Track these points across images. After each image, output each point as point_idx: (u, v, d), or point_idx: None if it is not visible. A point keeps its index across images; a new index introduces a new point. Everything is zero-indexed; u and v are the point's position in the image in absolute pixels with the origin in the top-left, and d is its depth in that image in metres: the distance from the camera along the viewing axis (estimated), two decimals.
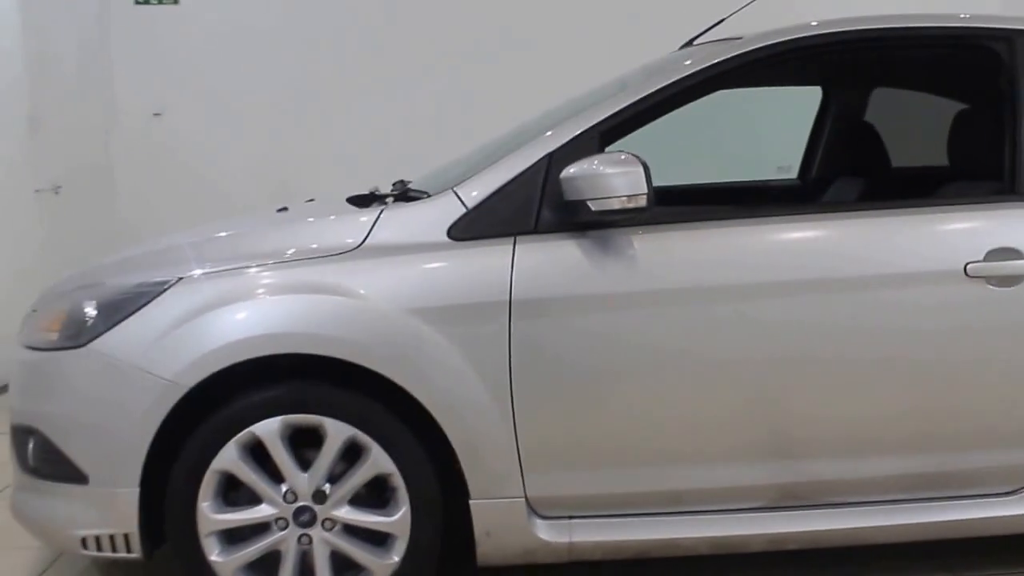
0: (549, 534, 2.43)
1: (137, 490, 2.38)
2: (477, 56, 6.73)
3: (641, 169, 2.26)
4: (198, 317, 2.36)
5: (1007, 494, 2.52)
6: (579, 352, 2.38)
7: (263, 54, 6.78)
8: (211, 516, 2.40)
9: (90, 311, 2.45)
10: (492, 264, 2.38)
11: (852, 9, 2.98)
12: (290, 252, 2.45)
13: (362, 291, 2.37)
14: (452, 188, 2.48)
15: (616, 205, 2.27)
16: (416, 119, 6.76)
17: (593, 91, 3.07)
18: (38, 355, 2.54)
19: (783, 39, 2.50)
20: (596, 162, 2.31)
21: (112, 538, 2.43)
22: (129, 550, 2.44)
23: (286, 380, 2.38)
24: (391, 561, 2.41)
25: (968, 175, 2.63)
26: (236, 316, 2.36)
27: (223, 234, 2.68)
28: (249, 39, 6.79)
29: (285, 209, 3.01)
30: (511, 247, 2.39)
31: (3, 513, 3.24)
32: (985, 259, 2.41)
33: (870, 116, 2.97)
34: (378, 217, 2.47)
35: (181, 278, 2.42)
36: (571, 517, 2.46)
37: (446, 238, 2.42)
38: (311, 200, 3.50)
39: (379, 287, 2.38)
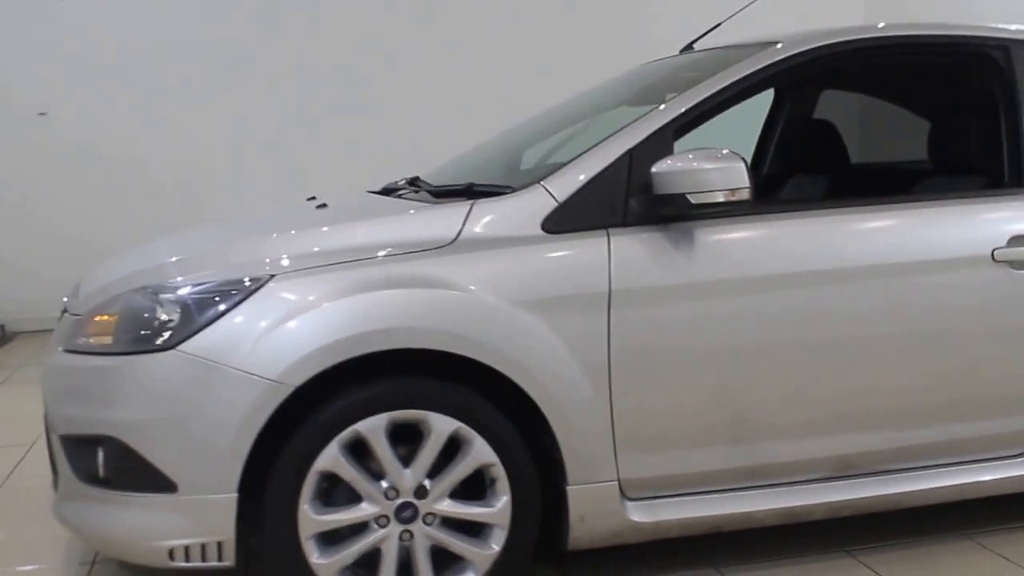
0: (638, 515, 2.53)
1: (235, 496, 2.30)
2: (362, 54, 6.77)
3: (743, 164, 2.39)
4: (301, 314, 2.30)
5: (1017, 456, 2.83)
6: (674, 338, 2.48)
7: (148, 50, 6.56)
8: (314, 518, 2.34)
9: (169, 312, 2.34)
10: (590, 256, 2.45)
11: (821, 19, 3.24)
12: (384, 246, 2.43)
13: (468, 284, 2.38)
14: (540, 182, 2.53)
15: (720, 198, 2.39)
16: (302, 114, 6.74)
17: (587, 94, 3.23)
18: (97, 360, 2.40)
19: (848, 38, 2.70)
20: (696, 158, 2.41)
21: (204, 547, 2.33)
22: (220, 558, 2.36)
23: (386, 376, 2.36)
24: (492, 551, 2.44)
25: (981, 170, 2.91)
26: (344, 312, 2.32)
27: (303, 231, 2.60)
28: (133, 35, 6.54)
29: (324, 206, 2.96)
30: (605, 239, 2.47)
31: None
32: (1008, 245, 2.70)
33: (885, 115, 3.24)
34: (469, 211, 2.49)
35: (273, 275, 2.35)
36: (655, 497, 2.57)
37: (540, 231, 2.47)
38: (313, 198, 3.44)
39: (482, 280, 2.40)
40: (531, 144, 3.59)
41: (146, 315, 2.38)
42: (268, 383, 2.26)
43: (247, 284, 2.34)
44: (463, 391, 2.39)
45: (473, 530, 2.46)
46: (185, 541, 2.33)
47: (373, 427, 2.34)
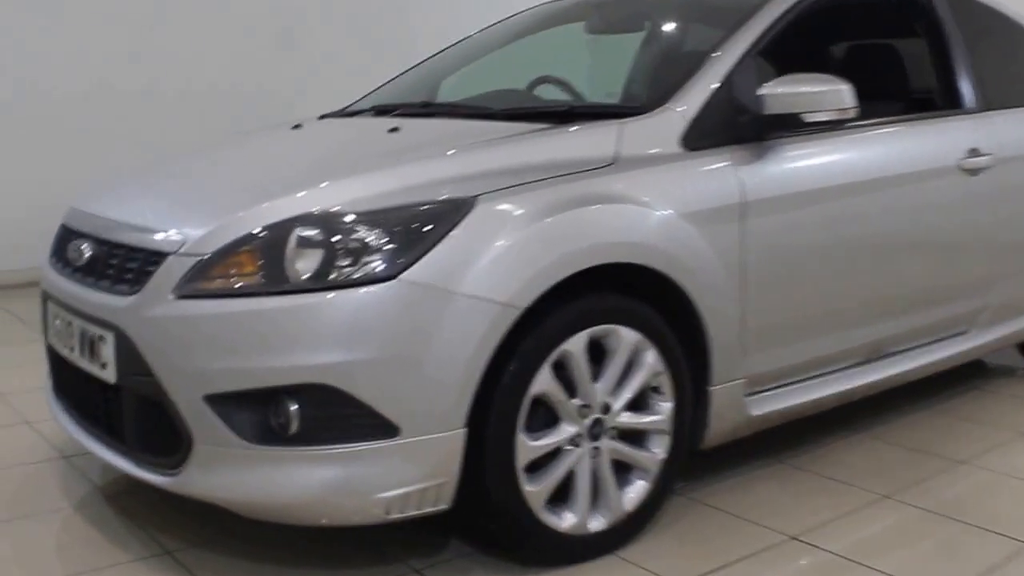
0: (754, 409, 2.75)
1: (464, 431, 2.16)
2: None
3: (849, 86, 2.66)
4: (519, 234, 2.20)
5: (961, 334, 3.45)
6: (790, 242, 2.72)
7: None
8: (530, 444, 2.27)
9: (372, 240, 2.11)
10: (723, 171, 2.59)
11: None
12: (558, 166, 2.37)
13: (645, 200, 2.42)
14: (668, 103, 2.61)
15: (833, 117, 2.64)
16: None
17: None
18: (273, 301, 2.10)
19: None
20: (809, 81, 2.64)
21: (423, 492, 2.16)
22: (436, 503, 2.19)
23: (579, 294, 2.32)
24: (659, 457, 2.52)
25: (932, 95, 3.45)
26: (562, 229, 2.25)
27: (469, 153, 2.41)
28: None
29: (396, 129, 2.76)
30: (731, 155, 2.63)
31: None
32: (966, 156, 3.27)
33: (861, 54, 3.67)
34: (621, 132, 2.50)
35: (478, 196, 2.21)
36: (759, 392, 2.80)
37: (680, 148, 2.56)
38: (298, 126, 3.19)
39: (652, 196, 2.44)
40: (449, 73, 3.63)
41: (331, 246, 2.12)
42: (500, 306, 2.14)
43: (458, 206, 2.18)
44: (641, 304, 2.44)
45: (639, 439, 2.51)
46: (406, 489, 2.14)
47: (578, 345, 2.31)
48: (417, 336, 2.09)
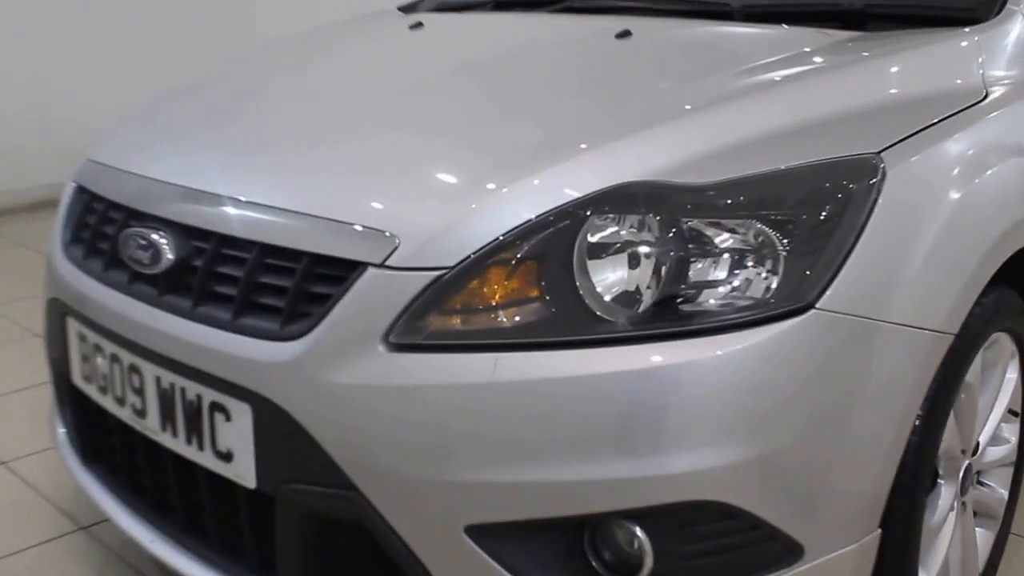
0: None
1: (878, 534, 1.36)
2: None
3: None
4: (944, 214, 1.37)
5: None
6: None
7: None
8: (931, 528, 1.51)
9: (753, 238, 1.25)
10: None
11: None
12: (930, 102, 1.52)
13: None
14: (1010, 4, 1.79)
15: None
16: None
17: None
18: (591, 356, 1.20)
19: None
20: None
21: None
22: None
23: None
24: (1003, 496, 1.82)
25: None
26: (984, 205, 1.45)
27: (808, 79, 1.52)
28: None
29: (627, 33, 1.81)
30: None
31: None
32: None
33: None
34: (980, 47, 1.68)
35: (881, 152, 1.35)
36: None
37: None
38: (419, 24, 2.22)
39: None
40: None
41: (678, 253, 1.23)
42: (932, 336, 1.33)
43: (867, 172, 1.32)
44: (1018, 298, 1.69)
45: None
46: None
47: (976, 373, 1.55)
48: (838, 403, 1.26)
